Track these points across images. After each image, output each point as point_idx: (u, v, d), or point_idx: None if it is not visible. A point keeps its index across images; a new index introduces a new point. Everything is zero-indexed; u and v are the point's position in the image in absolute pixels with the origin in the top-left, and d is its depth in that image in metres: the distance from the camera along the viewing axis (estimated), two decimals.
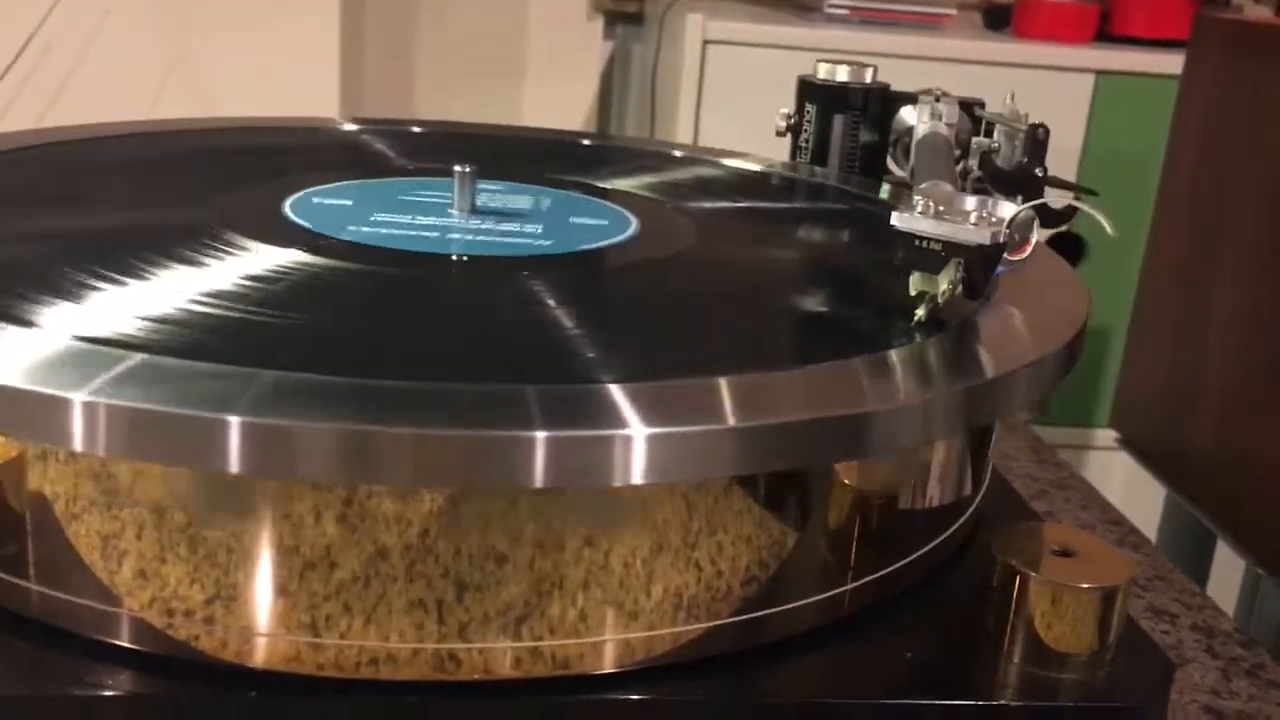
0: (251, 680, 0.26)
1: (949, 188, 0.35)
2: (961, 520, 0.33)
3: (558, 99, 1.49)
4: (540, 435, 0.24)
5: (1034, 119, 0.46)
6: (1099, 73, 1.18)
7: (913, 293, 0.31)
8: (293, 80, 1.32)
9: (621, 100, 1.47)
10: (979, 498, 0.34)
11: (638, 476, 0.24)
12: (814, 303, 0.35)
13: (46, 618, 0.27)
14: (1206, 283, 0.71)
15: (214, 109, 1.31)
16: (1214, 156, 0.72)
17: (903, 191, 0.46)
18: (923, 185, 0.35)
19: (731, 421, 0.25)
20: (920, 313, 0.31)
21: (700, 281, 0.36)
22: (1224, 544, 0.75)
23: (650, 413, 0.25)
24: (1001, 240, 0.30)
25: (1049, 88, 1.18)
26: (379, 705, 0.26)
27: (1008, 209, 0.33)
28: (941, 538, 0.32)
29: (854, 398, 0.26)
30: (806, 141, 0.53)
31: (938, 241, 0.30)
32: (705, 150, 0.54)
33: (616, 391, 0.25)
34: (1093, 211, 0.31)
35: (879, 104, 0.52)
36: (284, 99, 1.31)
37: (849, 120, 0.52)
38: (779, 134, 0.54)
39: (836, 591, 0.29)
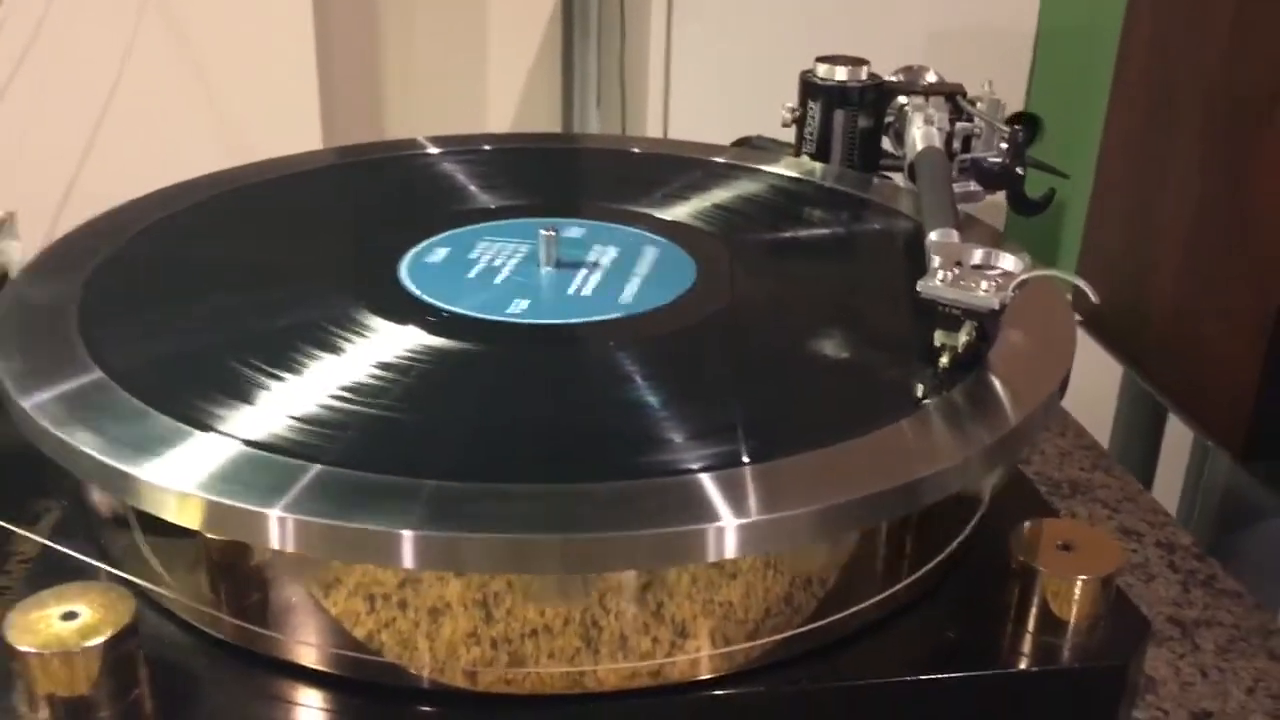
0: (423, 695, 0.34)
1: (956, 236, 0.42)
2: (983, 508, 0.41)
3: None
4: (650, 532, 0.31)
5: None
6: None
7: (936, 344, 0.39)
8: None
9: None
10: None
11: (730, 554, 0.32)
12: (854, 353, 0.42)
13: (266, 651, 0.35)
14: (1160, 163, 0.77)
15: (190, 46, 1.34)
16: (1163, 39, 0.76)
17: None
18: (933, 236, 0.42)
19: (812, 506, 0.32)
20: (944, 361, 0.39)
21: (756, 341, 0.43)
22: (1175, 418, 0.84)
23: (739, 504, 0.32)
24: (1009, 301, 0.38)
25: None
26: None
27: (1009, 261, 0.40)
28: (968, 530, 0.40)
29: (913, 465, 0.34)
30: (811, 134, 0.59)
31: (956, 307, 0.38)
32: (752, 155, 0.60)
33: (708, 482, 0.33)
34: (1068, 278, 0.39)
35: (874, 95, 0.59)
36: (258, 21, 1.34)
37: (849, 115, 0.58)
38: (784, 125, 0.61)
39: (898, 588, 0.38)
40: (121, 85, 1.34)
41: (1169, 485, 0.87)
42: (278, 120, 1.34)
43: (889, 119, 0.59)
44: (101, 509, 0.39)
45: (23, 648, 0.31)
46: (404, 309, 0.42)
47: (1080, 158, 0.88)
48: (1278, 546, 0.73)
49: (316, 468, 0.33)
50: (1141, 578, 0.51)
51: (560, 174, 0.60)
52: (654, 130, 1.30)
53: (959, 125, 0.57)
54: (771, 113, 0.62)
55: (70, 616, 0.32)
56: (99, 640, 0.32)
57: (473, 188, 0.55)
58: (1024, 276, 0.38)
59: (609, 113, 1.47)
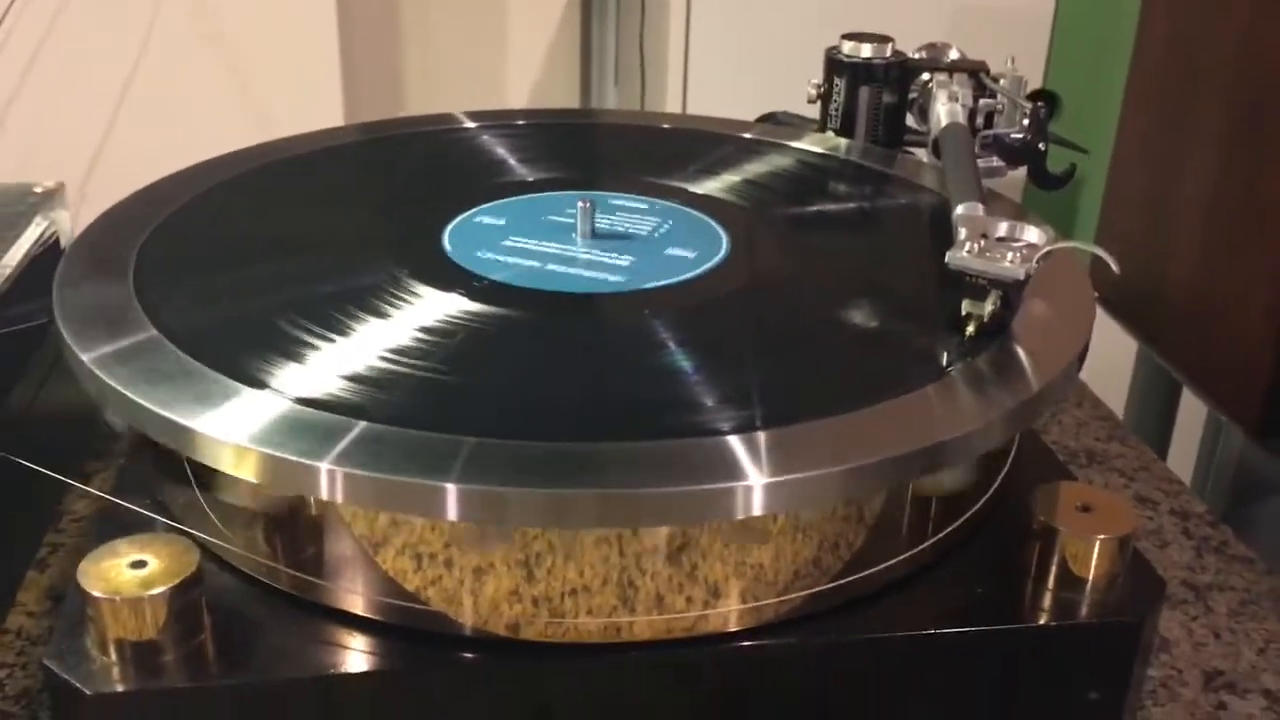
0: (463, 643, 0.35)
1: (981, 209, 0.44)
2: (1005, 471, 0.43)
3: None
4: (682, 489, 0.33)
5: None
6: None
7: (963, 313, 0.40)
8: None
9: None
10: (1014, 450, 0.44)
11: (758, 512, 0.33)
12: (881, 323, 0.43)
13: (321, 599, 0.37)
14: (1177, 146, 0.78)
15: (212, 24, 1.35)
16: (1181, 27, 0.77)
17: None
18: (960, 209, 0.44)
19: (839, 466, 0.34)
20: (970, 329, 0.40)
21: (785, 310, 0.44)
22: (1188, 394, 0.85)
23: (768, 463, 0.33)
24: (1034, 272, 0.39)
25: None
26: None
27: (1033, 233, 0.42)
28: (990, 492, 0.42)
29: (938, 428, 0.35)
30: (836, 110, 0.61)
31: (983, 277, 0.39)
32: (778, 131, 0.62)
33: (738, 442, 0.34)
34: (1091, 249, 0.40)
35: (898, 71, 0.60)
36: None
37: (874, 91, 0.60)
38: (810, 101, 0.62)
39: (924, 546, 0.39)
40: (144, 63, 1.36)
41: (1183, 459, 0.88)
42: (300, 98, 1.36)
43: (913, 95, 0.61)
44: (162, 464, 0.40)
45: (95, 593, 0.33)
46: (447, 276, 0.43)
47: (1098, 135, 0.89)
48: None
49: (363, 424, 0.34)
50: (1156, 544, 0.52)
51: (595, 148, 0.62)
52: (673, 108, 1.31)
53: (982, 101, 0.58)
54: (789, 90, 0.63)
55: (139, 565, 0.34)
56: (165, 588, 0.33)
57: (511, 161, 0.56)
58: (1049, 248, 0.39)
59: (627, 90, 1.48)
